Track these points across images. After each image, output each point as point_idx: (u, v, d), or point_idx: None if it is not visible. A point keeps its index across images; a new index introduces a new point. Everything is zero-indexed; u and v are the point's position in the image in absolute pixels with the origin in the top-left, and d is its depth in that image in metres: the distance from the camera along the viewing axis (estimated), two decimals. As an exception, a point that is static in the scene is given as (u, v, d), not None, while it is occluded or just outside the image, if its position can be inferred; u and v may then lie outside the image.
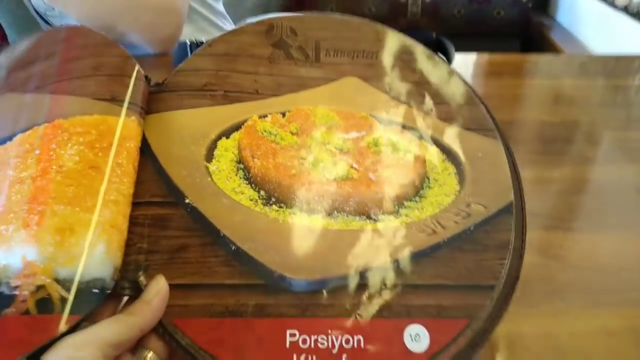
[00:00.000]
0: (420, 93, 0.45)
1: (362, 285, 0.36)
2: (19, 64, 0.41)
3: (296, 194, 0.39)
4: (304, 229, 0.38)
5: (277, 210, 0.39)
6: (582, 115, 0.77)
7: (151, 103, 0.41)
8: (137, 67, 0.41)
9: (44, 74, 0.39)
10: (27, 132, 0.36)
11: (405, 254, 0.38)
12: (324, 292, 0.36)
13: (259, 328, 0.34)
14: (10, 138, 0.37)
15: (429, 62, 0.46)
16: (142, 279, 0.35)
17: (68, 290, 0.31)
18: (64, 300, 0.31)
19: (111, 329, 0.31)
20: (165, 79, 0.42)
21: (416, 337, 0.35)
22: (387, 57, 0.46)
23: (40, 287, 0.31)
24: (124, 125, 0.38)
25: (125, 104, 0.38)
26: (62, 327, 0.31)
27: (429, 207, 0.40)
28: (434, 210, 0.40)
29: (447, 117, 0.44)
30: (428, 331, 0.35)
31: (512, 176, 0.42)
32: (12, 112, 0.38)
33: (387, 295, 0.36)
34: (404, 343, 0.35)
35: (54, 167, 0.34)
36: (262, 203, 0.39)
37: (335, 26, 0.47)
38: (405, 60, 0.46)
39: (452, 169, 0.42)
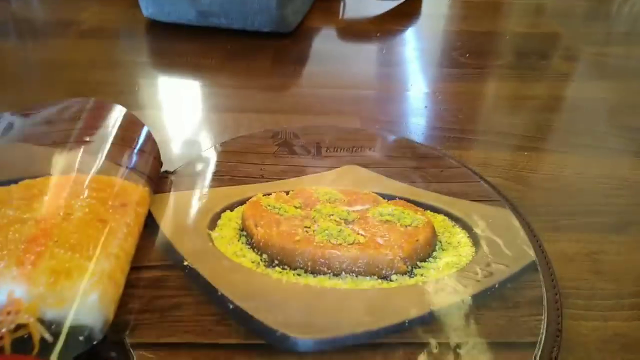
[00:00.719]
0: (420, 175, 0.46)
1: (379, 345, 0.31)
2: (39, 121, 0.44)
3: (301, 256, 0.36)
4: (310, 288, 0.35)
5: (280, 272, 0.36)
6: (562, 29, 0.71)
7: (160, 185, 0.43)
8: (157, 149, 0.44)
9: (65, 133, 0.42)
10: (37, 179, 0.36)
11: (424, 312, 0.34)
12: (333, 352, 0.31)
13: (258, 392, 0.29)
14: (15, 181, 0.37)
15: (425, 153, 0.49)
16: (127, 339, 0.31)
17: (52, 333, 0.28)
18: (44, 342, 0.28)
19: None
20: (175, 169, 0.45)
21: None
22: (386, 151, 0.49)
23: (21, 326, 0.28)
24: (139, 193, 0.38)
25: (144, 176, 0.40)
26: None
27: (445, 267, 0.37)
28: (451, 270, 0.37)
29: (450, 193, 0.44)
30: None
31: (531, 238, 0.40)
32: (23, 159, 0.39)
33: (408, 354, 0.31)
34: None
35: (62, 213, 0.34)
36: (264, 265, 0.36)
37: (334, 131, 0.52)
38: (403, 152, 0.49)
39: (463, 233, 0.40)
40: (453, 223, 0.41)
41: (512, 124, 0.58)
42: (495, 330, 0.33)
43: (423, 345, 0.32)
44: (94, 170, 0.39)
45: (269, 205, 0.41)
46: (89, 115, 0.44)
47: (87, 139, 0.41)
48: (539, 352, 0.32)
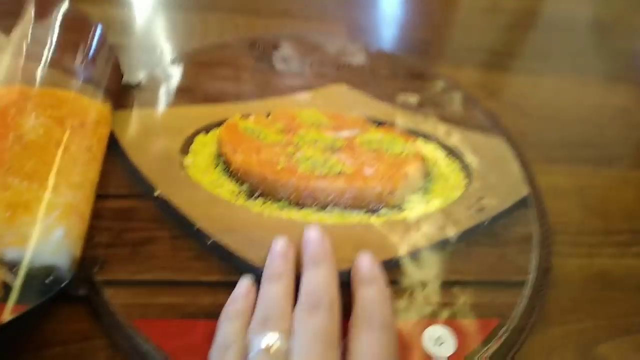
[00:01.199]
0: (414, 98, 0.43)
1: None
2: None
3: (284, 188, 0.34)
4: (294, 222, 0.33)
5: (262, 204, 0.33)
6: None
7: (121, 100, 0.38)
8: (116, 57, 0.38)
9: (1, 31, 0.36)
10: None
11: (414, 248, 0.32)
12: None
13: (240, 332, 0.27)
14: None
15: (419, 72, 0.45)
16: (97, 276, 0.28)
17: (15, 274, 0.25)
18: (6, 287, 0.25)
19: None
20: (139, 81, 0.40)
21: (438, 340, 0.28)
22: (376, 68, 0.45)
23: None
24: (98, 111, 0.34)
25: (102, 90, 0.35)
26: (5, 316, 0.24)
27: (435, 201, 0.35)
28: (442, 204, 0.35)
29: (444, 119, 0.41)
30: (453, 333, 0.29)
31: (524, 172, 0.38)
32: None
33: (396, 293, 0.30)
34: (424, 348, 0.28)
35: (11, 135, 0.29)
36: (244, 197, 0.34)
37: (318, 42, 0.47)
38: (395, 71, 0.45)
39: (456, 164, 0.38)
40: (445, 153, 0.39)
41: (510, 42, 0.54)
42: (485, 268, 0.32)
43: (412, 284, 0.30)
44: (39, 80, 0.33)
45: (248, 129, 0.37)
46: (29, 11, 0.37)
47: (28, 40, 0.35)
48: (528, 291, 0.31)
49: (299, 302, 0.26)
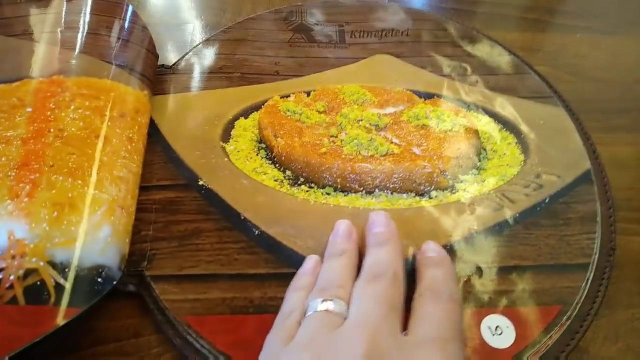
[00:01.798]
0: (461, 66, 0.40)
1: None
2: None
3: (328, 172, 0.33)
4: (341, 209, 0.31)
5: (307, 191, 0.32)
6: None
7: (158, 84, 0.37)
8: (150, 38, 0.37)
9: (38, 18, 0.35)
10: (14, 84, 0.31)
11: (468, 232, 0.31)
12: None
13: (292, 326, 0.27)
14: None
15: (466, 36, 0.42)
16: (145, 271, 0.28)
17: (66, 277, 0.25)
18: (60, 289, 0.25)
19: None
20: (175, 62, 0.38)
21: (497, 330, 0.27)
22: (420, 34, 0.42)
23: (30, 272, 0.25)
24: (136, 98, 0.33)
25: (138, 75, 0.34)
26: (59, 320, 0.24)
27: (490, 180, 0.33)
28: (498, 183, 0.33)
29: (495, 87, 0.39)
30: (512, 322, 0.27)
31: (585, 143, 0.36)
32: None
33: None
34: (482, 338, 0.27)
35: (52, 129, 0.29)
36: (288, 184, 0.32)
37: (358, 9, 0.44)
38: (439, 35, 0.42)
39: (511, 138, 0.36)
40: (500, 126, 0.36)
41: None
42: (545, 251, 0.30)
43: (467, 271, 0.29)
44: (77, 69, 0.33)
45: (289, 111, 0.36)
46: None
47: (62, 27, 0.34)
48: (591, 275, 0.30)
49: (360, 275, 0.26)
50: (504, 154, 0.35)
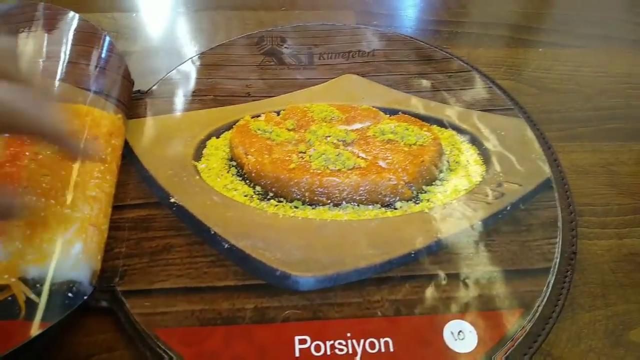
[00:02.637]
0: (425, 83, 0.42)
1: (385, 279, 0.30)
2: None
3: (297, 186, 0.34)
4: (309, 221, 0.32)
5: (276, 205, 0.33)
6: None
7: (133, 108, 0.38)
8: (125, 66, 0.39)
9: (20, 50, 0.36)
10: None
11: (431, 241, 0.32)
12: (337, 289, 0.29)
13: (260, 336, 0.27)
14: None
15: (429, 54, 0.44)
16: (117, 286, 0.29)
17: (37, 293, 0.26)
18: (30, 304, 0.26)
19: None
20: (150, 87, 0.40)
21: (460, 334, 0.28)
22: (385, 54, 0.44)
23: (2, 288, 0.26)
24: (111, 122, 0.34)
25: (113, 100, 0.35)
26: (33, 332, 0.25)
27: (453, 190, 0.34)
28: (460, 193, 0.34)
29: (458, 102, 0.40)
30: (474, 327, 0.28)
31: (546, 152, 0.37)
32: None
33: (415, 288, 0.30)
34: (445, 343, 0.28)
35: (28, 153, 0.30)
36: (258, 198, 0.33)
37: (326, 33, 0.46)
38: (403, 55, 0.44)
39: (473, 150, 0.37)
40: (462, 139, 0.38)
41: (527, 15, 0.52)
42: (507, 257, 0.31)
43: (431, 278, 0.30)
44: (56, 97, 0.34)
45: (259, 129, 0.37)
46: (40, 27, 0.38)
47: (44, 58, 0.36)
48: (552, 278, 0.31)
49: None
50: (467, 164, 0.36)
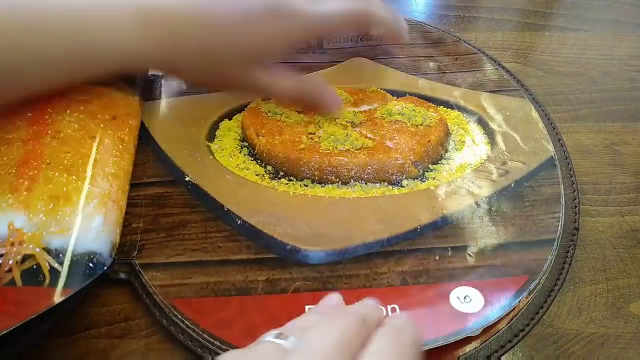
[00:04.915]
0: (432, 65, 0.43)
1: (391, 252, 0.31)
2: None
3: (307, 166, 0.35)
4: (318, 199, 0.34)
5: (287, 184, 0.34)
6: None
7: (149, 91, 0.40)
8: None
9: None
10: None
11: (437, 217, 0.33)
12: (346, 262, 0.31)
13: (272, 306, 0.29)
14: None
15: (437, 38, 0.45)
16: (135, 259, 0.30)
17: (60, 262, 0.27)
18: (54, 272, 0.27)
19: None
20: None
21: (466, 298, 0.29)
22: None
23: (28, 257, 0.27)
24: (127, 102, 0.36)
25: (130, 82, 0.37)
26: (56, 298, 0.26)
27: (458, 168, 0.35)
28: (465, 171, 0.35)
29: (464, 83, 0.41)
30: (480, 292, 0.29)
31: (550, 132, 0.38)
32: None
33: (421, 260, 0.31)
34: (451, 306, 0.29)
35: (50, 131, 0.31)
36: (269, 178, 0.35)
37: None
38: (412, 38, 0.45)
39: (479, 129, 0.38)
40: (468, 119, 0.39)
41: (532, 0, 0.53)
42: (511, 230, 0.32)
43: (436, 250, 0.31)
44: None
45: (270, 112, 0.38)
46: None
47: None
48: (555, 251, 0.31)
49: None
50: (472, 143, 0.37)
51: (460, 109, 0.39)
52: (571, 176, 0.36)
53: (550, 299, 0.31)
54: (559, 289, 0.31)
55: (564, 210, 0.33)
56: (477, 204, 0.33)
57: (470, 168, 0.35)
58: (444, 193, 0.34)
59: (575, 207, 0.34)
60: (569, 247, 0.32)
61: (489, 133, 0.38)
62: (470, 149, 0.37)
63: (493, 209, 0.33)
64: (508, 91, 0.41)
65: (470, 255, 0.31)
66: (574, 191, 0.35)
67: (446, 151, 0.37)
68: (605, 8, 0.52)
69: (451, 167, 0.36)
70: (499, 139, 0.37)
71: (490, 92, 0.41)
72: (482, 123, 0.38)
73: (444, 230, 0.32)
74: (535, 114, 0.39)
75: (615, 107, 0.42)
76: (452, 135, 0.38)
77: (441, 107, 0.39)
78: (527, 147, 0.37)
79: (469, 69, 0.42)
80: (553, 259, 0.31)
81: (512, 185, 0.34)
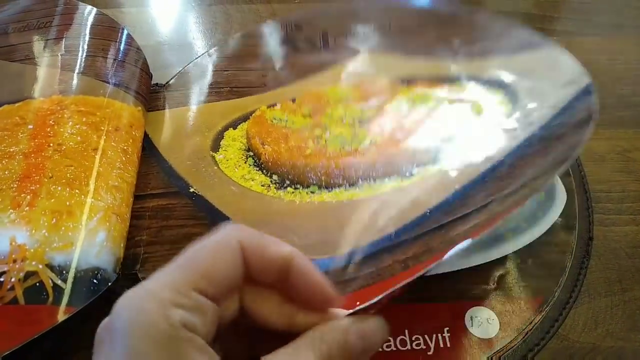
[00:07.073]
0: (445, 42, 0.40)
1: (398, 244, 0.30)
2: (1, 29, 0.39)
3: (313, 171, 0.34)
4: (325, 204, 0.33)
5: (293, 192, 0.34)
6: None
7: (152, 101, 0.39)
8: (144, 59, 0.40)
9: (37, 45, 0.38)
10: (17, 104, 0.33)
11: (449, 194, 0.31)
12: (357, 264, 0.30)
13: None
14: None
15: (448, 18, 0.42)
16: (139, 273, 0.30)
17: (64, 279, 0.27)
18: (57, 289, 0.26)
19: None
20: (168, 80, 0.41)
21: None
22: (403, 23, 0.43)
23: (30, 274, 0.27)
24: (131, 114, 0.35)
25: (133, 92, 0.36)
26: (59, 317, 0.26)
27: (470, 150, 0.33)
28: (479, 146, 0.33)
29: (478, 52, 0.38)
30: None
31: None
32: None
33: (426, 242, 0.30)
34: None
35: (52, 144, 0.31)
36: (275, 187, 0.34)
37: (339, 13, 0.45)
38: (421, 22, 0.42)
39: (499, 93, 0.35)
40: (485, 88, 0.36)
41: (540, 4, 0.52)
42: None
43: (440, 228, 0.29)
44: (75, 89, 0.35)
45: (275, 119, 0.38)
46: (60, 21, 0.39)
47: (63, 52, 0.37)
48: (569, 263, 0.31)
49: None
50: (489, 113, 0.35)
51: (477, 79, 0.37)
52: (584, 185, 0.35)
53: (565, 311, 0.30)
54: (574, 301, 0.30)
55: (577, 221, 0.32)
56: (494, 166, 0.31)
57: (485, 137, 0.33)
58: (457, 170, 0.32)
59: (589, 216, 0.33)
60: (584, 258, 0.32)
61: (511, 94, 0.35)
62: (486, 120, 0.35)
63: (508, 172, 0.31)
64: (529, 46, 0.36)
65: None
66: (588, 200, 0.34)
67: (460, 131, 0.35)
68: (614, 12, 0.51)
69: (463, 147, 0.34)
70: (521, 95, 0.35)
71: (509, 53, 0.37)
72: (502, 85, 0.36)
73: (453, 205, 0.30)
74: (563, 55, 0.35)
75: (626, 113, 0.41)
76: (466, 109, 0.36)
77: (455, 83, 0.37)
78: (557, 82, 0.33)
79: (487, 38, 0.38)
80: (567, 274, 0.30)
81: (536, 132, 0.31)
